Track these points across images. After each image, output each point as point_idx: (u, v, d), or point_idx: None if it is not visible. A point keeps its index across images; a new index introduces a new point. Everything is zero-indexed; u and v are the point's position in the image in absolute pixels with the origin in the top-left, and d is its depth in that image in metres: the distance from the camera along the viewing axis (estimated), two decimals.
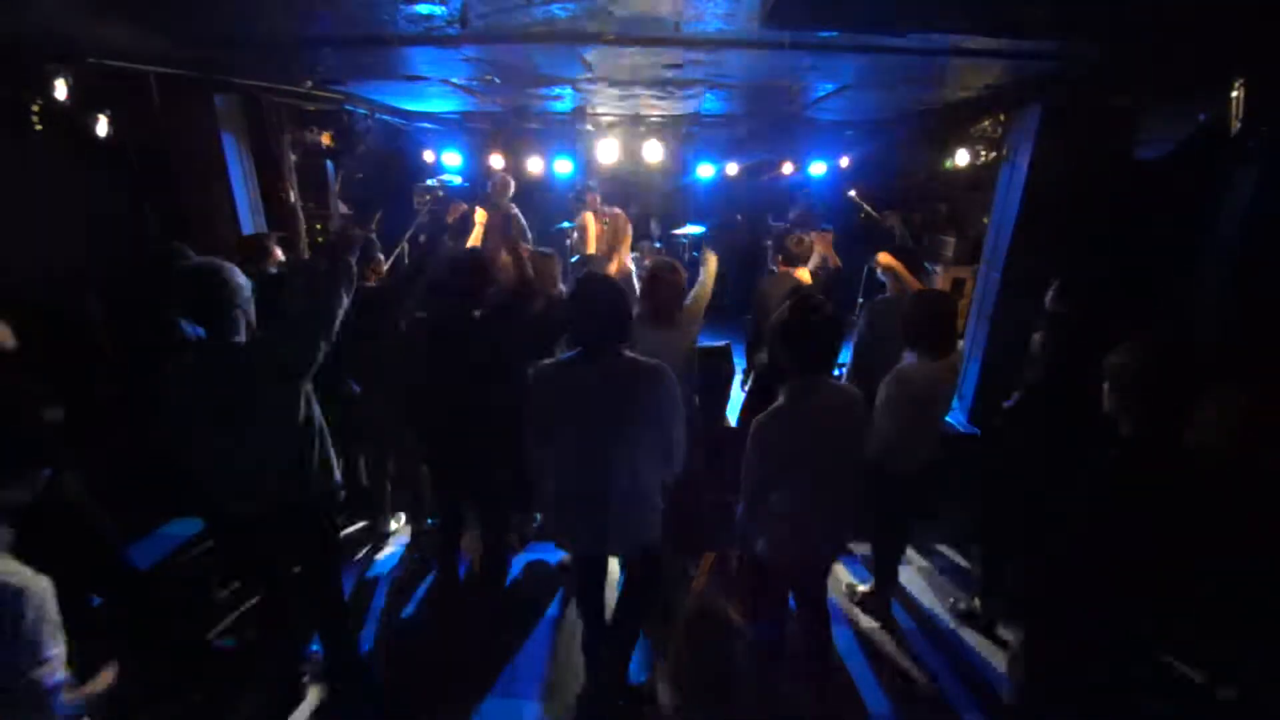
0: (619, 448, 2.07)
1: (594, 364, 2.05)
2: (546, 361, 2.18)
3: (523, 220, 5.58)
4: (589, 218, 5.20)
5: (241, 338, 2.08)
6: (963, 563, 3.45)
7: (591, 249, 4.77)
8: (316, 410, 2.21)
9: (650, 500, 2.21)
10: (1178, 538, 1.73)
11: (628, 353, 2.09)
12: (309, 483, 2.23)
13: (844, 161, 6.41)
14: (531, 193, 7.51)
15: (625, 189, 7.30)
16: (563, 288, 3.27)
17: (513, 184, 5.52)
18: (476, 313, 2.63)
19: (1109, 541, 1.75)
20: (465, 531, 3.09)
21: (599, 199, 5.64)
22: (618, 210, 5.62)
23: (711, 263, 3.20)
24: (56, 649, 1.36)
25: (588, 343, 2.06)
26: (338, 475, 2.31)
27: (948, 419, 2.89)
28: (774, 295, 3.35)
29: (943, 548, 3.59)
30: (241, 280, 2.08)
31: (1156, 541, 1.72)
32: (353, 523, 3.64)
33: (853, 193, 5.77)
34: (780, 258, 3.73)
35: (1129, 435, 1.77)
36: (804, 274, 3.58)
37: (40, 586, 1.34)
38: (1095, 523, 1.76)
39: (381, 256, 3.27)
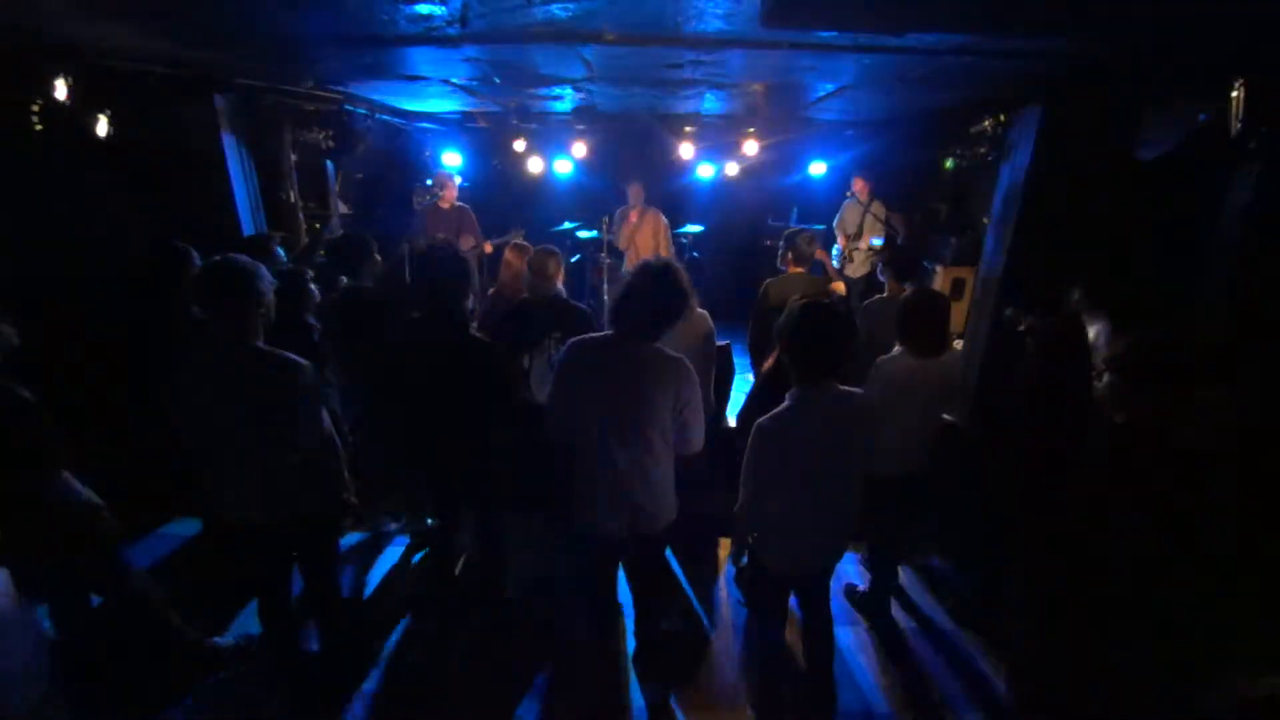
0: (639, 429, 2.15)
1: (621, 348, 2.13)
2: (574, 339, 2.23)
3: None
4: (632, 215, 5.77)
5: (260, 341, 2.06)
6: (961, 563, 3.45)
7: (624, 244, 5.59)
8: (329, 421, 2.19)
9: (668, 482, 2.31)
10: (1172, 526, 1.74)
11: (655, 344, 2.17)
12: (320, 494, 2.22)
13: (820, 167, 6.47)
14: (533, 191, 7.52)
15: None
16: (561, 288, 3.26)
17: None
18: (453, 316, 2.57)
19: (1105, 529, 1.75)
20: (462, 531, 3.09)
21: (641, 192, 5.89)
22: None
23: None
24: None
25: (624, 328, 2.13)
26: (349, 486, 2.30)
27: (946, 417, 2.88)
28: (782, 296, 3.35)
29: (942, 548, 3.59)
30: (266, 284, 2.05)
31: (1152, 529, 1.73)
32: (352, 523, 3.64)
33: (856, 192, 5.79)
34: (791, 257, 3.72)
35: (1123, 423, 1.77)
36: (839, 285, 3.63)
37: None
38: (1092, 512, 1.77)
39: (379, 258, 3.27)
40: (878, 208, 5.55)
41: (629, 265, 5.40)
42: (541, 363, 3.06)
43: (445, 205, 5.71)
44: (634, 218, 5.93)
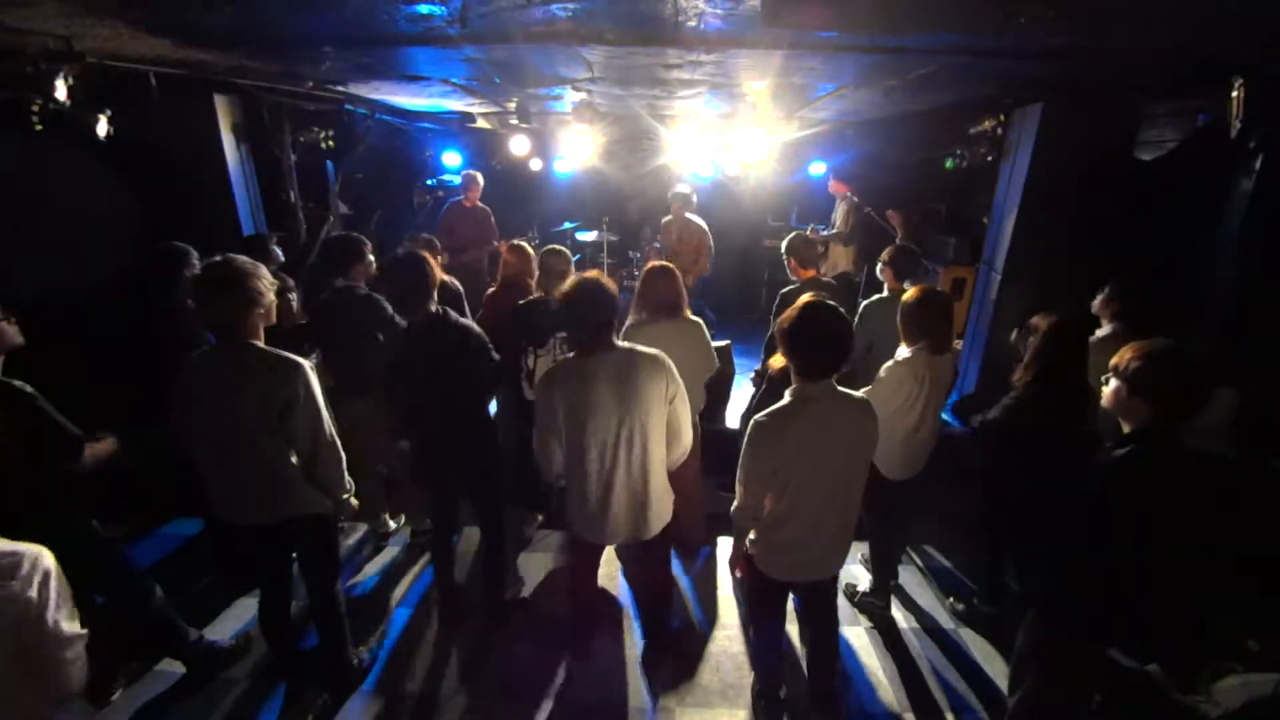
0: (638, 432, 2.18)
1: (593, 357, 2.15)
2: (543, 376, 2.26)
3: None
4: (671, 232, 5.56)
5: (260, 341, 2.06)
6: (961, 563, 3.45)
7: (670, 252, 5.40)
8: (329, 421, 2.19)
9: (664, 485, 2.34)
10: (1182, 531, 1.74)
11: (623, 343, 2.20)
12: (320, 494, 2.22)
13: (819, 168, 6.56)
14: (533, 191, 7.52)
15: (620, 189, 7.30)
16: None
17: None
18: (444, 311, 2.57)
19: (1113, 535, 1.75)
20: (462, 531, 3.09)
21: (682, 206, 5.52)
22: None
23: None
24: (76, 628, 1.37)
25: (584, 339, 2.17)
26: (349, 486, 2.30)
27: (945, 416, 2.88)
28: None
29: (942, 548, 3.59)
30: (265, 284, 2.04)
31: (1161, 534, 1.73)
32: (353, 523, 3.64)
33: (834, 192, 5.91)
34: (795, 262, 3.72)
35: (1133, 430, 1.77)
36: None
37: (49, 554, 1.34)
38: (1100, 516, 1.77)
39: (372, 258, 3.26)
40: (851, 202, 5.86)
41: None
42: (547, 362, 3.07)
43: (468, 204, 5.81)
44: (674, 234, 5.55)
